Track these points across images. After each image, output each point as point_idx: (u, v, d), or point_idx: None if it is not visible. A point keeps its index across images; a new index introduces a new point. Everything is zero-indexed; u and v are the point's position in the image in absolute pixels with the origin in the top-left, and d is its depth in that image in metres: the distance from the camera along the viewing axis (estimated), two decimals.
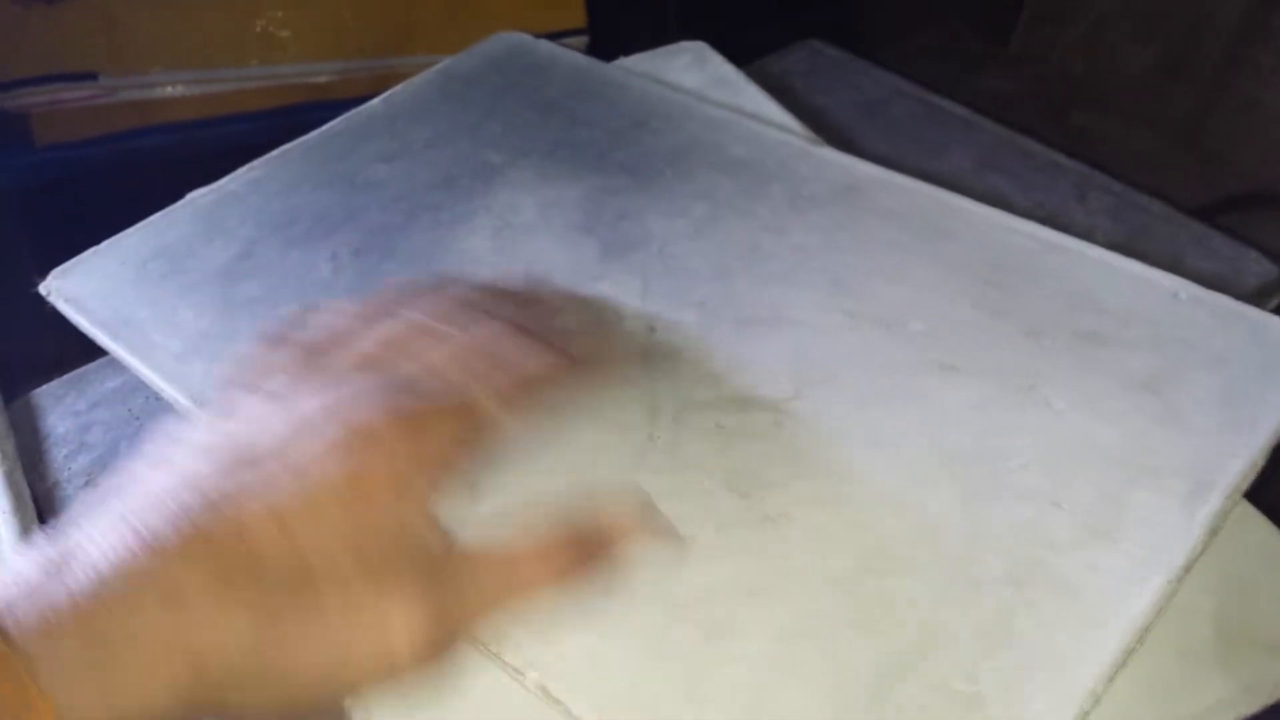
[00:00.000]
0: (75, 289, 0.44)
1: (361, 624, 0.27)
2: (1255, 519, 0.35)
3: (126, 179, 0.83)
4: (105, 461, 0.45)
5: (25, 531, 0.40)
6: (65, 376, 0.49)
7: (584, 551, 0.31)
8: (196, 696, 0.25)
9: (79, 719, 0.23)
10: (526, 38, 0.58)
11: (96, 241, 0.47)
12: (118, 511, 0.26)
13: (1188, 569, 0.31)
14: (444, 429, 0.30)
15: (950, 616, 0.30)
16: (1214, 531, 0.32)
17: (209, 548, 0.26)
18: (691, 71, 0.56)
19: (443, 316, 0.34)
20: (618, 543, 0.31)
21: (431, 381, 0.32)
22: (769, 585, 0.31)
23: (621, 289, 0.42)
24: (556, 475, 0.35)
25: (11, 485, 0.42)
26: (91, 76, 0.81)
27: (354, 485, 0.28)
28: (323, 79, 0.88)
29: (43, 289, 0.44)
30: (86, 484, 0.44)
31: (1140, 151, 0.97)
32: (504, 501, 0.34)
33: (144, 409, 0.47)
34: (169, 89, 0.85)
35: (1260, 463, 0.34)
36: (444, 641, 0.28)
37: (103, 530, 0.26)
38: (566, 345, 0.35)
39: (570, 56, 0.56)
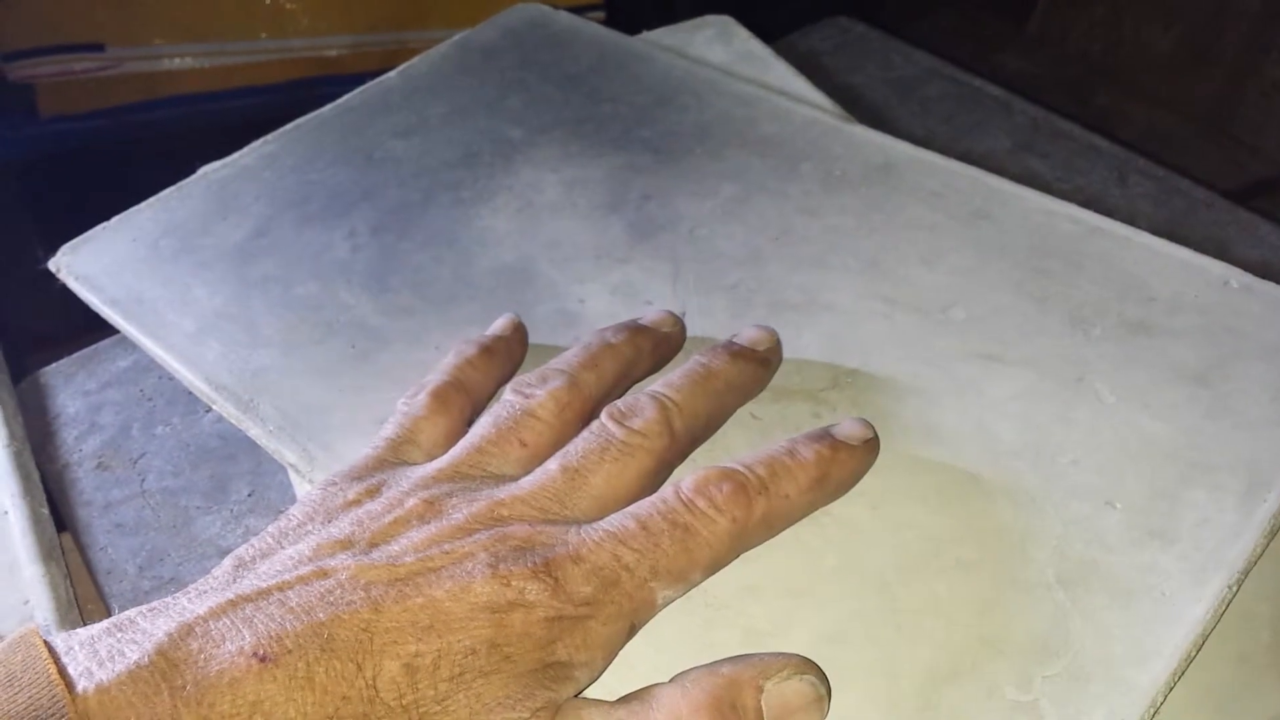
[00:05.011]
0: (86, 266, 0.43)
1: None
2: None
3: (133, 152, 0.82)
4: (117, 443, 0.44)
5: (35, 516, 0.39)
6: (75, 355, 0.48)
7: None
8: None
9: None
10: (546, 9, 0.56)
11: (101, 216, 0.45)
12: (243, 613, 0.25)
13: (1247, 572, 0.30)
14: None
15: (1001, 620, 0.29)
16: (1273, 533, 0.31)
17: (329, 675, 0.24)
18: (716, 46, 0.55)
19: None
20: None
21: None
22: (810, 585, 0.30)
23: (650, 272, 0.41)
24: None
25: (20, 467, 0.41)
26: (98, 47, 0.79)
27: (494, 650, 0.26)
28: (333, 53, 0.87)
29: (52, 265, 0.43)
30: (98, 467, 0.43)
31: (1165, 135, 0.96)
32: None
33: (156, 389, 0.46)
34: (176, 61, 0.83)
35: None
36: None
37: (221, 630, 0.25)
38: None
39: (591, 29, 0.55)
